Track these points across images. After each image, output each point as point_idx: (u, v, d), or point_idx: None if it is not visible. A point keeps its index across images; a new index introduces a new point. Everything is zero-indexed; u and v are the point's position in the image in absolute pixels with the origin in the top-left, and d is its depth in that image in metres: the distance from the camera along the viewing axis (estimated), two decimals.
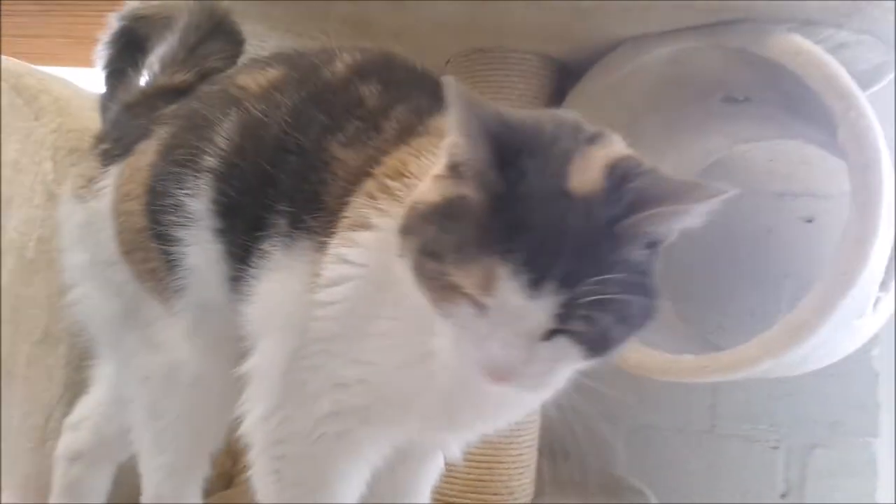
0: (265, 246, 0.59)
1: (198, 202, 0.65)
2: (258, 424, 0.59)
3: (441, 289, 0.47)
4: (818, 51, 0.87)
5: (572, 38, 1.07)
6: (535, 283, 0.44)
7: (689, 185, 0.49)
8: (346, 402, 0.57)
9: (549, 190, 0.46)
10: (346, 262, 0.56)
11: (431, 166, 0.56)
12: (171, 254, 0.66)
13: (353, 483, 0.61)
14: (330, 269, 0.56)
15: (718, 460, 1.36)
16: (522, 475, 1.14)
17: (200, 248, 0.65)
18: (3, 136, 0.98)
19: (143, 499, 0.74)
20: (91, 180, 0.76)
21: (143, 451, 0.73)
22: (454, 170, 0.49)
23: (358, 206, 0.57)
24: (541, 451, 1.20)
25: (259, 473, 0.60)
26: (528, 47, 1.11)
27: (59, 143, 0.94)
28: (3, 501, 0.91)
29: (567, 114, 0.55)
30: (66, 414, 0.89)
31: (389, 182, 0.57)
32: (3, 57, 0.99)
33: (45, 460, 0.89)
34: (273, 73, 0.68)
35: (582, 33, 1.05)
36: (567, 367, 0.51)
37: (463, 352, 0.48)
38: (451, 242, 0.46)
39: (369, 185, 0.57)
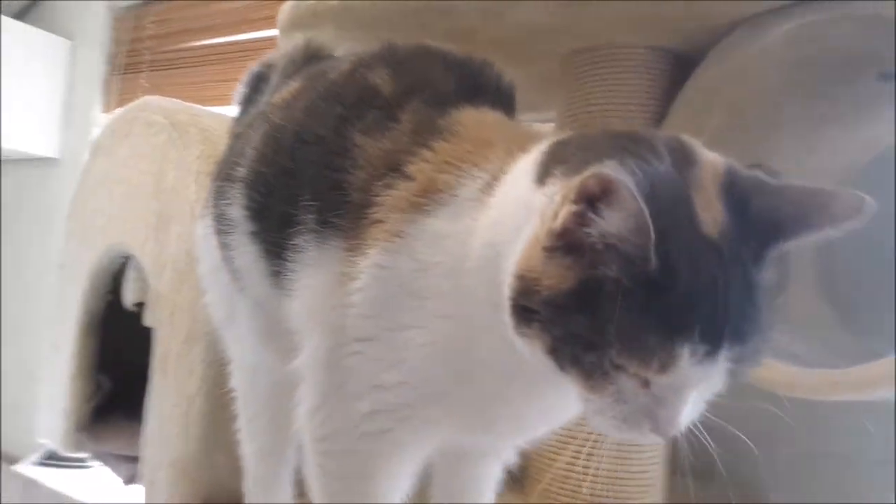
0: (298, 241, 0.62)
1: (234, 210, 0.70)
2: (305, 420, 0.62)
3: (600, 375, 0.45)
4: None
5: (682, 27, 1.00)
6: (711, 352, 0.43)
7: (821, 198, 0.45)
8: (385, 402, 0.58)
9: (693, 244, 0.43)
10: (378, 266, 0.56)
11: (461, 181, 0.56)
12: (229, 258, 0.73)
13: (397, 481, 0.62)
14: (364, 275, 0.57)
15: None
16: (645, 494, 1.07)
17: (241, 251, 0.70)
18: (164, 165, 1.15)
19: (244, 484, 0.83)
20: (207, 199, 0.87)
21: (241, 439, 0.82)
22: (572, 242, 0.44)
23: (392, 221, 0.57)
24: (677, 471, 1.12)
25: (309, 467, 0.63)
26: (637, 41, 1.05)
27: (201, 167, 1.09)
28: (160, 477, 1.07)
29: (639, 133, 0.51)
30: (203, 405, 1.02)
31: (418, 199, 0.57)
32: (162, 98, 1.17)
33: (187, 444, 1.02)
34: (294, 86, 0.72)
35: (691, 20, 0.98)
36: None
37: (624, 423, 0.46)
38: (612, 332, 0.43)
39: (398, 199, 0.57)
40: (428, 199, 0.56)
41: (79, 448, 1.29)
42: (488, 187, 0.55)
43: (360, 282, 0.57)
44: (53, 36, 2.94)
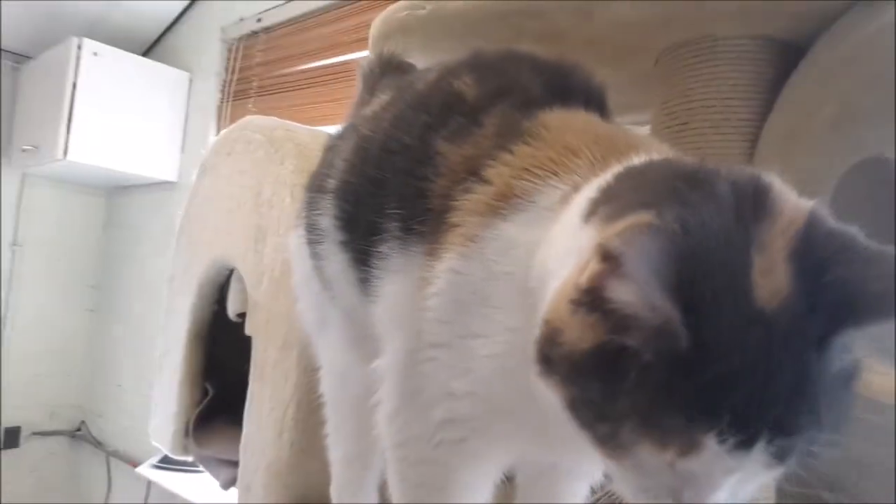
0: (383, 249, 0.62)
1: (325, 220, 0.71)
2: (384, 425, 0.62)
3: (615, 446, 0.41)
4: None
5: (786, 13, 0.93)
6: (745, 444, 0.38)
7: None
8: (457, 411, 0.57)
9: (739, 319, 0.37)
10: (453, 271, 0.55)
11: (539, 189, 0.54)
12: (320, 267, 0.74)
13: (475, 492, 0.60)
14: (439, 279, 0.56)
15: None
16: None
17: (331, 260, 0.71)
18: (262, 180, 1.20)
19: (331, 488, 0.83)
20: (300, 210, 0.89)
21: (328, 444, 0.82)
22: (596, 301, 0.40)
23: (469, 225, 0.56)
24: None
25: (388, 471, 0.63)
26: (739, 31, 0.99)
27: (296, 180, 1.12)
28: (255, 481, 1.09)
29: (703, 172, 0.44)
30: (297, 410, 1.04)
31: (495, 203, 0.55)
32: (261, 116, 1.22)
33: (282, 450, 1.05)
34: (383, 98, 0.73)
35: (796, 5, 0.91)
36: None
37: (644, 493, 0.42)
38: (626, 408, 0.39)
39: (475, 203, 0.56)
40: (505, 203, 0.55)
41: (185, 452, 1.35)
42: (566, 199, 0.52)
43: (436, 286, 0.56)
44: (175, 70, 3.17)
